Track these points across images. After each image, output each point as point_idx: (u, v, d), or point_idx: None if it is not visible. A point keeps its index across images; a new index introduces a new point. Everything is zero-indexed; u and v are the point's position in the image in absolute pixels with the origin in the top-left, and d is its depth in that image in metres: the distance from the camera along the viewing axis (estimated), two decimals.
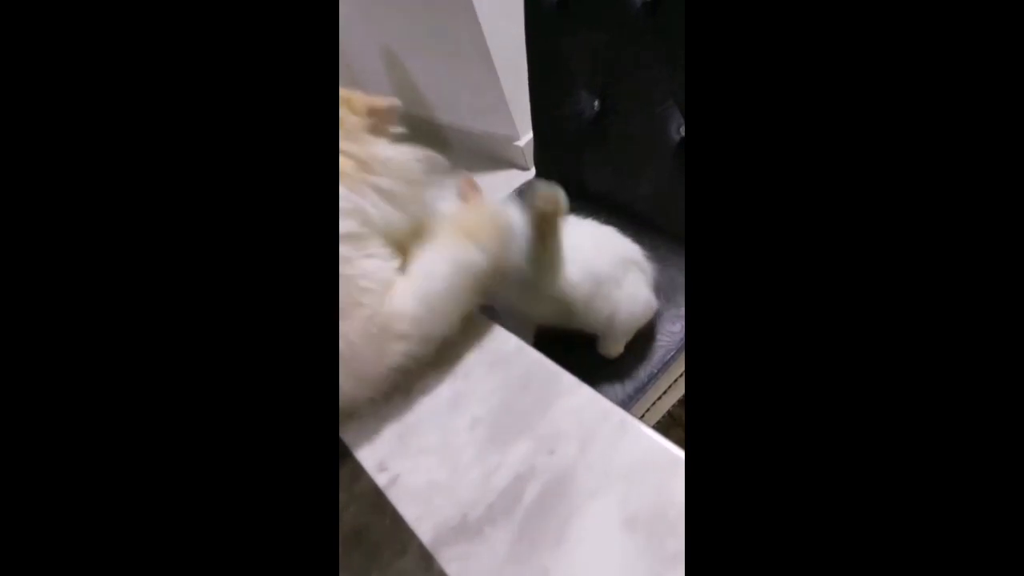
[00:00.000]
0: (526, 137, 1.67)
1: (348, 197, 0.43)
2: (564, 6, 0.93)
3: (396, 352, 0.43)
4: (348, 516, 0.41)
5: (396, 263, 0.45)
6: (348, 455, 0.45)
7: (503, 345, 0.50)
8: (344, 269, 0.40)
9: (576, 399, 0.43)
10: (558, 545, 0.36)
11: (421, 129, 1.97)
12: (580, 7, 0.91)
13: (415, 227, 0.47)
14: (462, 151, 1.93)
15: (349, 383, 0.42)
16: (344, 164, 0.43)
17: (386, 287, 0.43)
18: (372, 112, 0.46)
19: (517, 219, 0.57)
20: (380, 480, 0.42)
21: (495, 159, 1.79)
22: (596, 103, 0.94)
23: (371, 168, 0.44)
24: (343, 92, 0.47)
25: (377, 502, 0.41)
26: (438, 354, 0.48)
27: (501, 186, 1.11)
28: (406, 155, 0.47)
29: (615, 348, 0.75)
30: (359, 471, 0.43)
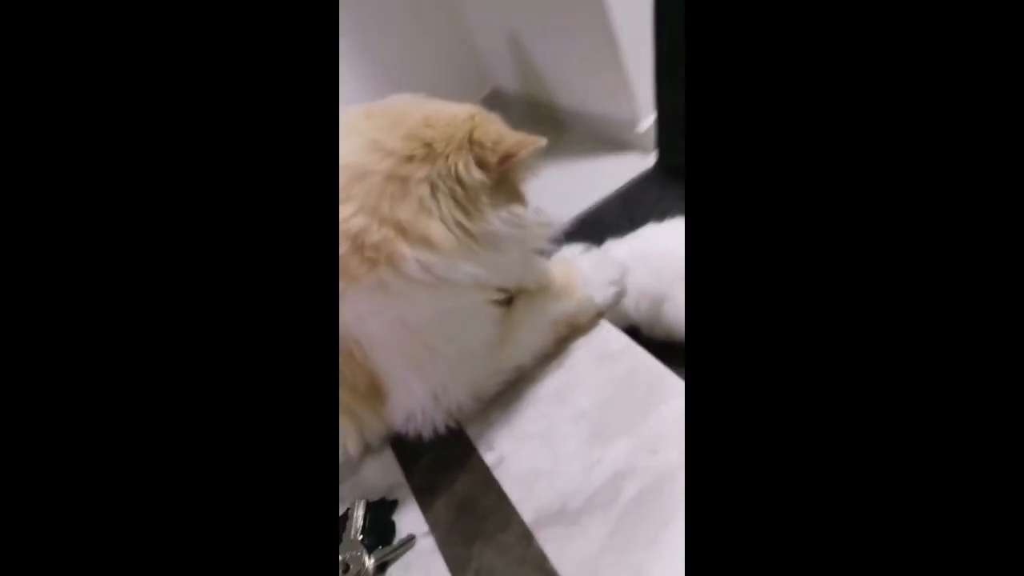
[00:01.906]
0: (647, 122, 1.62)
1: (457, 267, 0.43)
2: None
3: (493, 384, 0.50)
4: (460, 486, 0.45)
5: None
6: (460, 431, 0.48)
7: (611, 341, 0.51)
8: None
9: (681, 402, 0.43)
10: (654, 545, 0.37)
11: (540, 112, 1.98)
12: None
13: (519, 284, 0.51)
14: (580, 135, 1.91)
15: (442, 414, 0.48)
16: (448, 237, 0.42)
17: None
18: (504, 160, 0.44)
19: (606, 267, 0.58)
20: (488, 458, 0.46)
21: (614, 143, 1.76)
22: None
23: (479, 242, 0.44)
24: (481, 130, 0.44)
25: (485, 478, 0.44)
26: None
27: (620, 172, 1.08)
28: (520, 224, 0.46)
29: None
30: (470, 447, 0.47)
